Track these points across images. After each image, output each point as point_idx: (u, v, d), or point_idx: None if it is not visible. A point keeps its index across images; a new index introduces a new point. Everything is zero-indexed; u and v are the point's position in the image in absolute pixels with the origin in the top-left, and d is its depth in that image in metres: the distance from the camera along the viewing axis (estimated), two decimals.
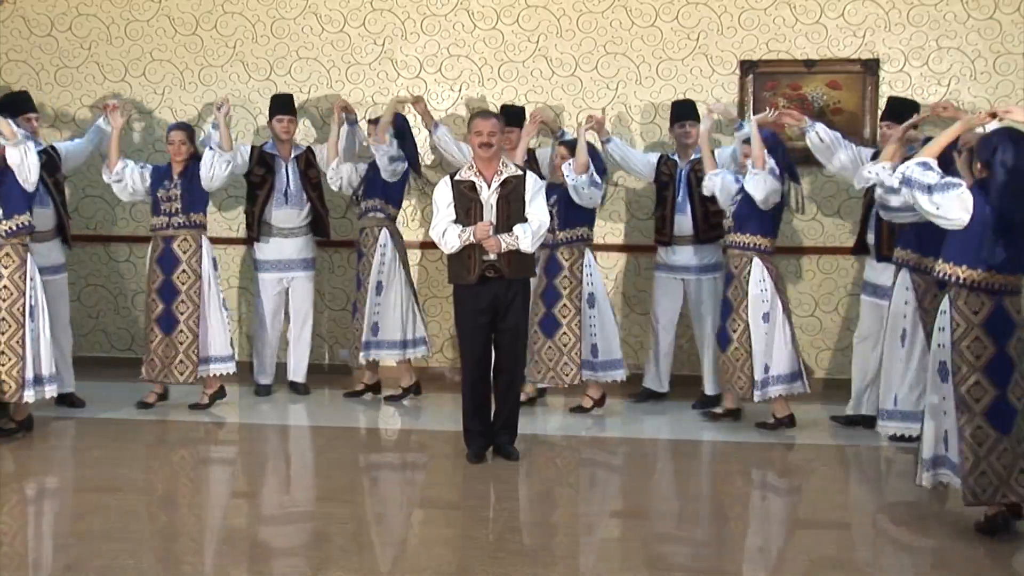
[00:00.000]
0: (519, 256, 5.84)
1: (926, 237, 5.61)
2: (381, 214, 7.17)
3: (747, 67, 7.54)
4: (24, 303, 6.23)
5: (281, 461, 6.42)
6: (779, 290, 6.53)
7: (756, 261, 6.48)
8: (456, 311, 6.04)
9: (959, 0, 7.33)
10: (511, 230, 5.79)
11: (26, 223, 6.26)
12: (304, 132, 7.89)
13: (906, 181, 4.81)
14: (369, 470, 6.14)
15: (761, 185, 6.30)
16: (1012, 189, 4.62)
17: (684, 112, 7.13)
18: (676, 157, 7.14)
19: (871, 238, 6.54)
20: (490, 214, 5.81)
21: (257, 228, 7.36)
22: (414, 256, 7.89)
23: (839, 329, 7.61)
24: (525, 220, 5.84)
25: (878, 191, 5.83)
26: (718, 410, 6.83)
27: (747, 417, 6.76)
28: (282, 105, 7.37)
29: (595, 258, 6.98)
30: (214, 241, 8.04)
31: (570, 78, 7.72)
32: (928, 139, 6.21)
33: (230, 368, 7.07)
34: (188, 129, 7.10)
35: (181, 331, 6.89)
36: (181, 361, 6.89)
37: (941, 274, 4.84)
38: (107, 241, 8.23)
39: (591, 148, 6.75)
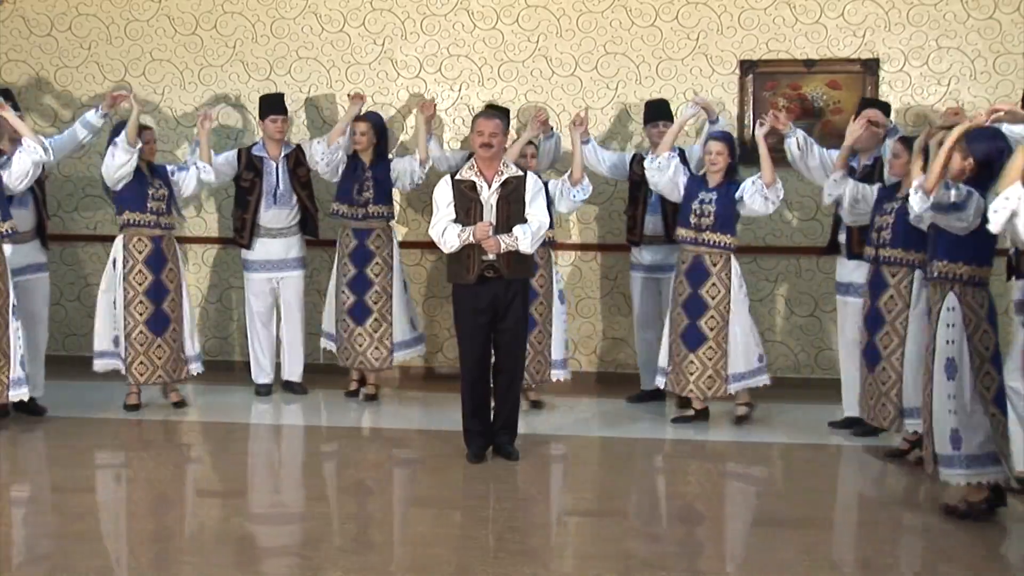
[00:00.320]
0: (518, 257, 5.84)
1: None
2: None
3: (747, 67, 7.54)
4: (8, 303, 6.23)
5: (278, 461, 6.42)
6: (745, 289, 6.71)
7: (732, 260, 6.58)
8: (455, 311, 6.04)
9: (959, 0, 7.34)
10: (511, 231, 5.79)
11: (9, 230, 6.25)
12: (304, 132, 7.89)
13: (936, 206, 4.80)
14: (368, 470, 6.14)
15: (760, 203, 6.46)
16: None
17: (658, 112, 7.11)
18: (648, 156, 7.13)
19: (842, 237, 6.54)
20: (490, 214, 5.81)
21: (249, 234, 7.31)
22: (414, 256, 7.90)
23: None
24: (525, 221, 5.84)
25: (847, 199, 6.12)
26: (689, 412, 6.80)
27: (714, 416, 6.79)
28: (275, 105, 7.33)
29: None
30: (213, 241, 8.09)
31: (570, 78, 7.72)
32: (895, 128, 6.47)
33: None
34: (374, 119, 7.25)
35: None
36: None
37: (948, 273, 4.93)
38: (107, 241, 8.20)
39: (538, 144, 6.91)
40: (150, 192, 6.85)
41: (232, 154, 7.35)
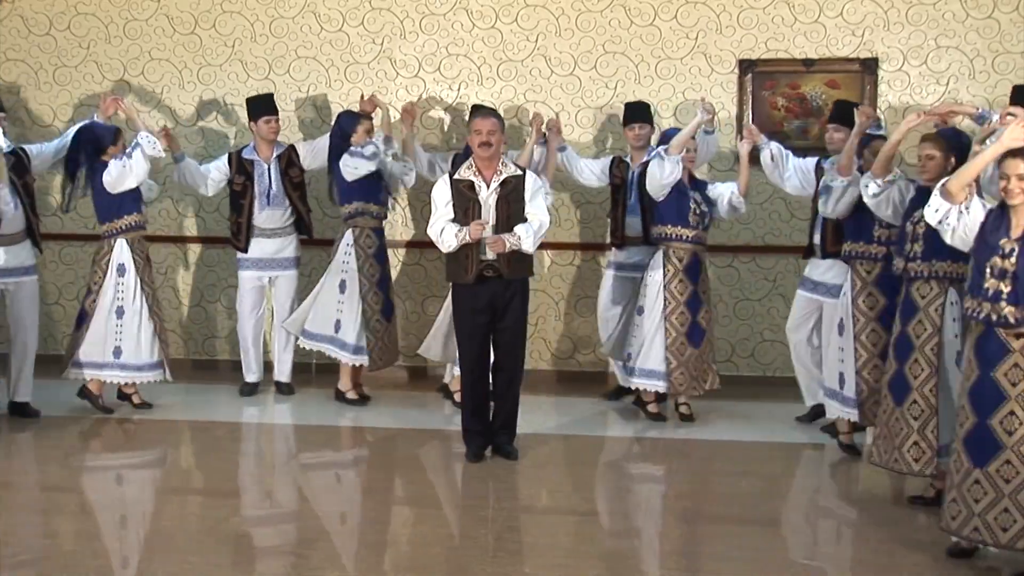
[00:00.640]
0: (518, 256, 5.83)
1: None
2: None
3: (746, 66, 7.54)
4: None
5: (272, 460, 6.42)
6: None
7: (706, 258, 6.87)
8: (455, 310, 6.04)
9: None
10: (511, 230, 5.78)
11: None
12: (304, 131, 7.89)
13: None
14: (368, 469, 6.14)
15: (726, 209, 6.68)
16: None
17: (635, 114, 7.12)
18: (629, 159, 7.14)
19: (817, 237, 6.52)
20: (488, 214, 5.80)
21: (246, 237, 7.28)
22: (414, 255, 7.90)
23: None
24: (525, 220, 5.84)
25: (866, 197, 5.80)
26: (652, 409, 6.85)
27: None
28: (268, 106, 7.29)
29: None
30: (210, 241, 8.08)
31: (569, 77, 7.72)
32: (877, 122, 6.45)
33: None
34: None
35: None
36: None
37: (951, 274, 5.06)
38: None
39: None
40: (139, 192, 6.88)
41: (222, 161, 7.33)
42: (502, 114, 6.67)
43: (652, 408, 6.82)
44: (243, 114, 7.90)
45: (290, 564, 4.60)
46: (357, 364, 7.15)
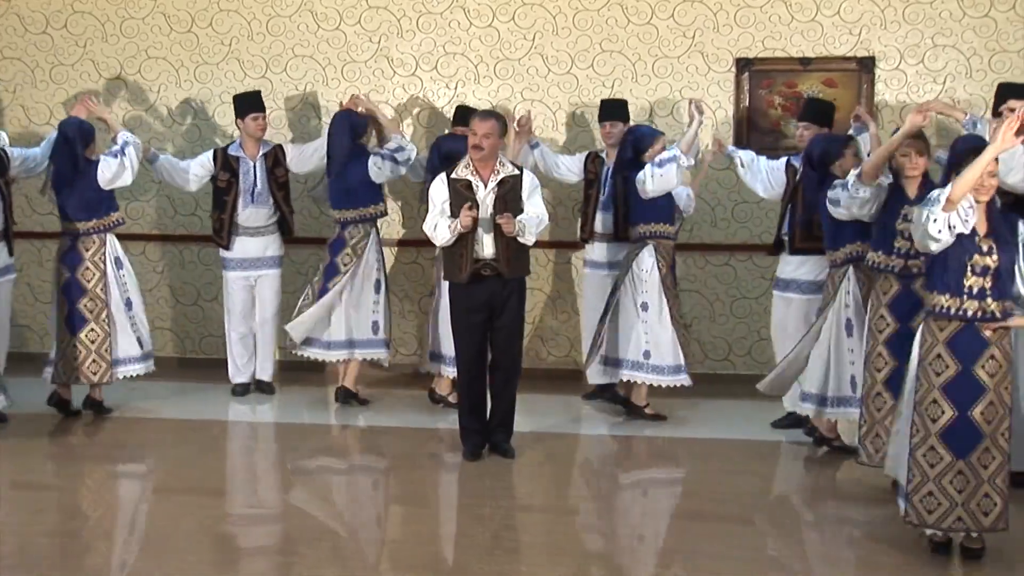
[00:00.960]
0: (517, 255, 5.84)
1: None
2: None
3: (743, 65, 7.54)
4: None
5: (265, 459, 6.41)
6: None
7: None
8: (451, 309, 6.04)
9: None
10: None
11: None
12: (301, 130, 7.88)
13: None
14: (366, 468, 6.14)
15: (683, 201, 6.67)
16: None
17: (609, 112, 7.12)
18: (604, 155, 7.13)
19: (785, 234, 6.50)
20: (486, 213, 5.80)
21: (228, 233, 7.25)
22: (409, 254, 7.90)
23: None
24: None
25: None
26: (649, 411, 6.81)
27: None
28: (256, 103, 7.26)
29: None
30: (204, 240, 8.04)
31: (566, 76, 7.72)
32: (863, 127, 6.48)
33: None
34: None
35: None
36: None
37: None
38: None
39: None
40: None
41: (206, 156, 7.30)
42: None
43: (650, 411, 6.77)
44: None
45: (288, 563, 4.61)
46: (381, 361, 7.26)
